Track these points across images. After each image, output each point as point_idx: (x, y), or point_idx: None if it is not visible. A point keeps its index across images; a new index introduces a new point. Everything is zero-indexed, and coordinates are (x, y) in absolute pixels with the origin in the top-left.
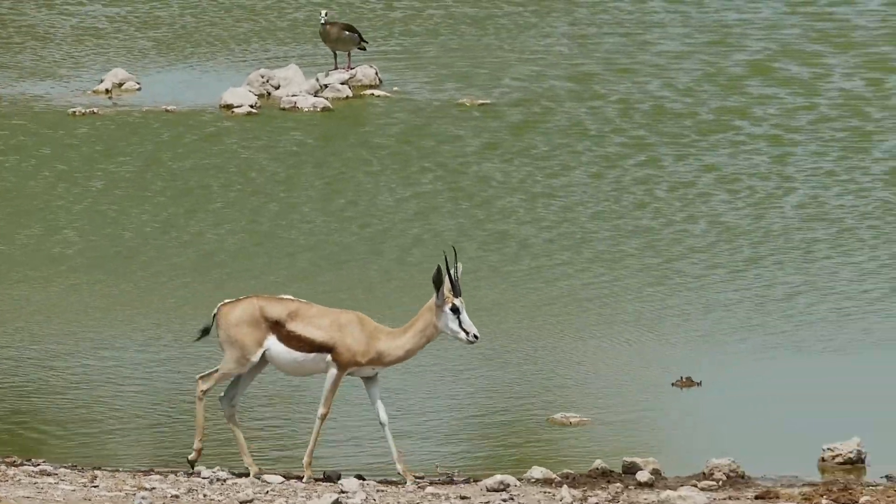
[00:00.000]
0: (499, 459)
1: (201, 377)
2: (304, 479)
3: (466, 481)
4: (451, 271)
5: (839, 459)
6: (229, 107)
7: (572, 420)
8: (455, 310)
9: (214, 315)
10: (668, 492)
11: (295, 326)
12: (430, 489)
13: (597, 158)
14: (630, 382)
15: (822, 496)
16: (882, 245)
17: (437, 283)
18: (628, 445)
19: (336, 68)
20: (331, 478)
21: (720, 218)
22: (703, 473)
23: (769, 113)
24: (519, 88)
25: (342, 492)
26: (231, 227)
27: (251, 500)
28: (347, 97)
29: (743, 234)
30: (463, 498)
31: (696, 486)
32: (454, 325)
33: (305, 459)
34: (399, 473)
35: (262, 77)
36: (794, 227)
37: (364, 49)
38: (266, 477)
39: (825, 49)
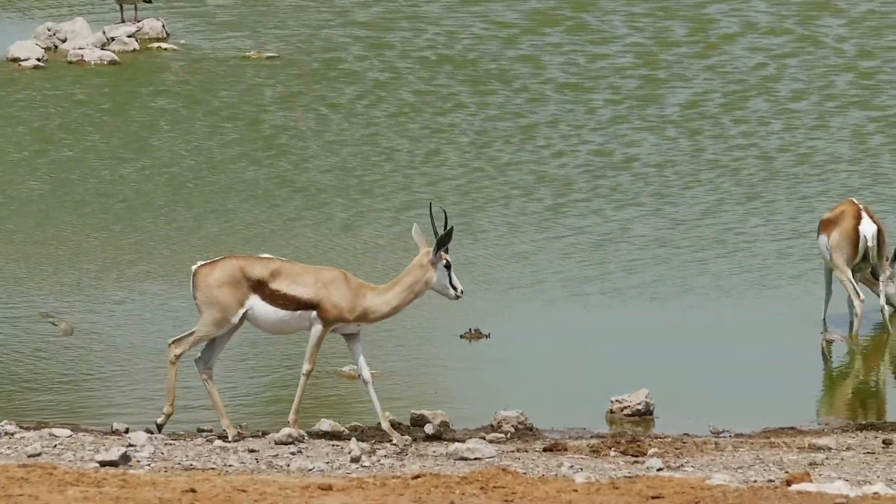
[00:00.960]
0: (287, 412)
1: (174, 341)
2: (297, 435)
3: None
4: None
5: (627, 411)
6: (16, 60)
7: None
8: (448, 266)
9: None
10: (457, 444)
11: (279, 285)
12: (217, 442)
13: (400, 107)
14: (420, 335)
15: (610, 448)
16: (686, 191)
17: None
18: (417, 398)
19: (123, 21)
20: (118, 431)
21: (522, 166)
22: (492, 426)
23: (562, 62)
24: (307, 38)
25: (130, 445)
26: (25, 177)
27: (39, 454)
28: (134, 50)
29: (544, 182)
30: (251, 451)
31: (484, 438)
32: (445, 282)
33: (291, 417)
34: (384, 431)
35: (49, 30)
36: (596, 176)
37: (150, 2)
38: (54, 430)
39: None
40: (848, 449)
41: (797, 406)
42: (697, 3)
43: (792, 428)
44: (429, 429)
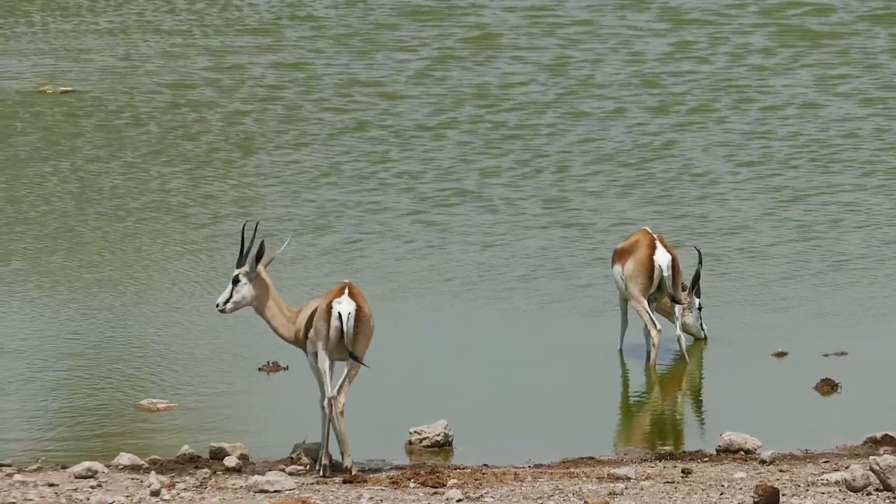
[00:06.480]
0: (86, 446)
1: (337, 392)
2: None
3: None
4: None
5: (426, 442)
6: None
7: (159, 406)
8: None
9: (346, 312)
10: (257, 477)
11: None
12: (18, 476)
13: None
14: (218, 367)
15: (409, 479)
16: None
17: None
18: (216, 430)
19: None
20: None
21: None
22: (291, 458)
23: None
24: (104, 73)
25: None
26: None
27: None
28: None
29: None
30: (51, 485)
31: (283, 470)
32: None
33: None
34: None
35: None
36: (402, 189)
37: None
38: None
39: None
40: (647, 478)
41: (596, 436)
42: None
43: (591, 458)
44: (229, 461)
